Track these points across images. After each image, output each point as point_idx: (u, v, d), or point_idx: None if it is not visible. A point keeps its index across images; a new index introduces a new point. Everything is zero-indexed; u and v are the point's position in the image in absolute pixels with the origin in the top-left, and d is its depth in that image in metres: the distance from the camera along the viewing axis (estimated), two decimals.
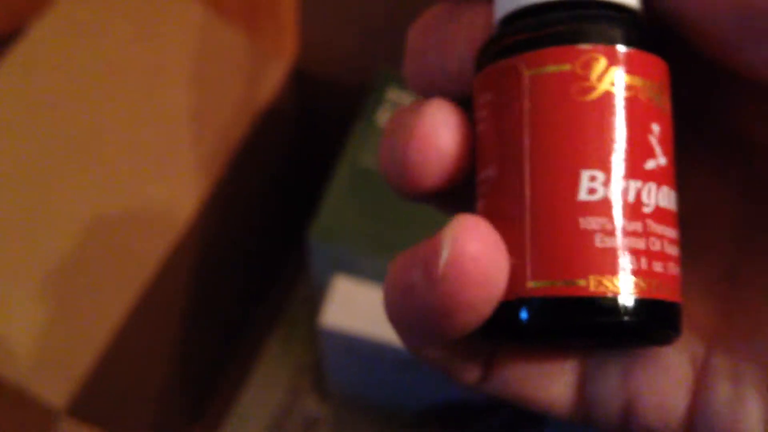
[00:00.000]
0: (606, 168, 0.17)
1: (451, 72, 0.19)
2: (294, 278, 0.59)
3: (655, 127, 0.18)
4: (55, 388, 0.41)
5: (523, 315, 0.18)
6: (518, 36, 0.18)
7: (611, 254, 0.17)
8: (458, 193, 0.20)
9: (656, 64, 0.18)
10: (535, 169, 0.18)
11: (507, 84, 0.18)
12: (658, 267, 0.18)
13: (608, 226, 0.17)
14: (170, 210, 0.47)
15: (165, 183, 0.47)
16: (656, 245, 0.18)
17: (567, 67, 0.18)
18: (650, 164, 0.18)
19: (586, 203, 0.17)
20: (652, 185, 0.18)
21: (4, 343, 0.41)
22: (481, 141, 0.19)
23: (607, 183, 0.17)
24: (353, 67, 0.56)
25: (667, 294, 0.18)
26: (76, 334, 0.42)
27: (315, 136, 0.60)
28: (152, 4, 0.52)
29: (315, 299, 0.49)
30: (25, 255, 0.43)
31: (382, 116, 0.49)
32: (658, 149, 0.18)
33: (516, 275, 0.18)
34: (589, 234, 0.17)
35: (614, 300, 0.17)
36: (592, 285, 0.17)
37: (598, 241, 0.17)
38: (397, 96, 0.50)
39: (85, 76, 0.49)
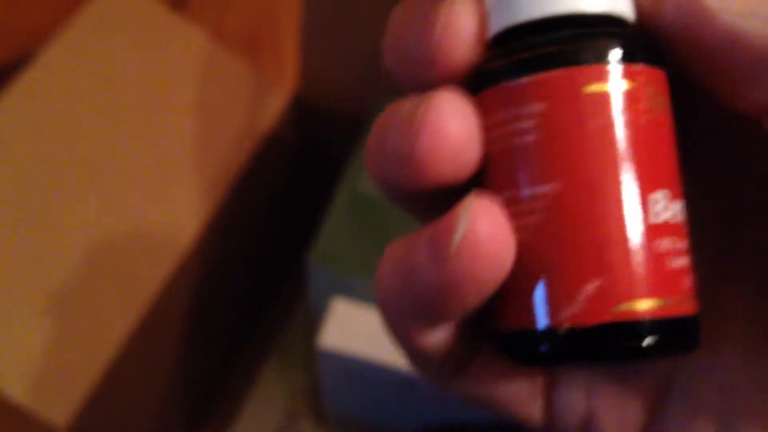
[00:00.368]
0: (667, 188, 0.18)
1: (425, 56, 0.18)
2: (291, 302, 0.60)
3: (677, 145, 0.18)
4: (56, 407, 0.41)
5: (611, 338, 0.17)
6: (568, 47, 0.17)
7: (679, 275, 0.17)
8: (445, 198, 0.19)
9: (666, 81, 0.18)
10: (611, 190, 0.17)
11: (565, 98, 0.17)
12: (695, 282, 0.18)
13: (674, 247, 0.17)
14: (172, 233, 0.48)
15: (168, 207, 0.48)
16: (690, 261, 0.18)
17: (627, 85, 0.17)
18: (681, 182, 0.18)
19: (658, 225, 0.17)
20: (684, 203, 0.18)
21: (8, 361, 0.42)
22: (528, 153, 0.18)
23: (669, 203, 0.17)
24: (352, 96, 0.57)
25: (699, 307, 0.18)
26: (78, 353, 0.43)
27: (315, 163, 0.61)
28: (157, 33, 0.53)
29: (312, 322, 0.50)
30: (30, 275, 0.44)
31: None
32: (680, 166, 0.18)
33: (598, 297, 0.17)
34: (663, 256, 0.17)
35: (690, 320, 0.18)
36: (668, 307, 0.17)
37: (670, 263, 0.17)
38: None
39: (91, 102, 0.50)
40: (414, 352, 0.19)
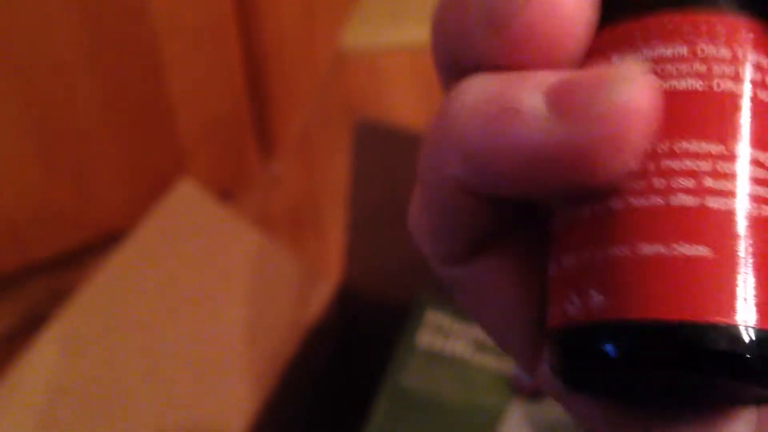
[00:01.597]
0: None
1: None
2: None
3: None
4: None
5: None
6: None
7: None
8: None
9: None
10: None
11: None
12: None
13: None
14: (223, 424, 0.50)
15: (219, 399, 0.51)
16: None
17: None
18: None
19: None
20: None
21: None
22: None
23: None
24: (396, 288, 0.59)
25: None
26: None
27: (359, 354, 0.63)
28: (215, 231, 0.57)
29: None
30: None
31: (423, 338, 0.53)
32: None
33: None
34: None
35: None
36: None
37: None
38: (437, 318, 0.54)
39: (154, 299, 0.53)
40: (451, 212, 0.15)
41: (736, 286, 0.13)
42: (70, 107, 0.77)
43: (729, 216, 0.14)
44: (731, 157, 0.14)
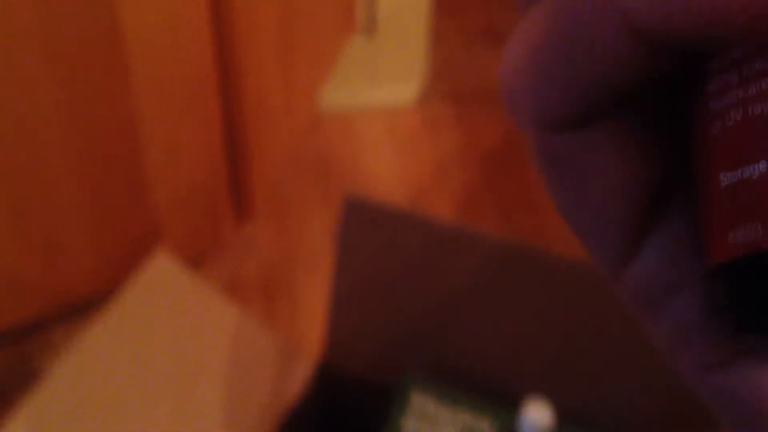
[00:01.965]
0: None
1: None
2: None
3: None
4: None
5: None
6: None
7: None
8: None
9: None
10: None
11: None
12: None
13: None
14: None
15: None
16: None
17: None
18: None
19: None
20: None
21: None
22: None
23: None
24: (378, 368, 0.58)
25: None
26: None
27: None
28: (192, 307, 0.55)
29: None
30: None
31: (407, 424, 0.51)
32: None
33: None
34: None
35: None
36: None
37: None
38: (422, 402, 0.52)
39: (129, 378, 0.51)
40: (592, 57, 0.12)
41: None
42: (41, 173, 0.75)
43: None
44: None
